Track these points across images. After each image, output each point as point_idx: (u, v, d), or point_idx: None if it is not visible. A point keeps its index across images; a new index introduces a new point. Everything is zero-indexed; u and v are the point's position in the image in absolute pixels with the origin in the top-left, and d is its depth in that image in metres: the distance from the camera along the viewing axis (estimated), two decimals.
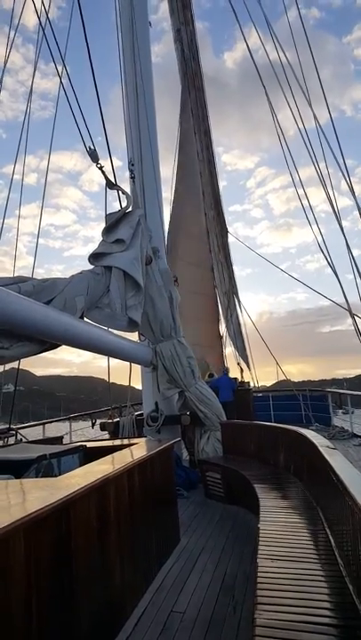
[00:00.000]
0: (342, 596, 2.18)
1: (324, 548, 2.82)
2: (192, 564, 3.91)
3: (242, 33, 9.60)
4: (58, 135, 9.80)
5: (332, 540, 2.89)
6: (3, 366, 5.32)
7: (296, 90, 8.62)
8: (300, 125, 8.56)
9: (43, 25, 6.42)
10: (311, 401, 13.23)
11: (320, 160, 8.29)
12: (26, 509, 1.96)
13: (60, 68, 6.39)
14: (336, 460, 3.17)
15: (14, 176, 9.32)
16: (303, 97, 8.53)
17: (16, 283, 4.52)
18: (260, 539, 2.99)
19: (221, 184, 16.26)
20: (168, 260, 8.94)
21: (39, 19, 6.41)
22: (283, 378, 14.35)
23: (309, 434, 4.68)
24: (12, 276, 4.88)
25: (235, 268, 16.03)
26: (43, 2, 6.54)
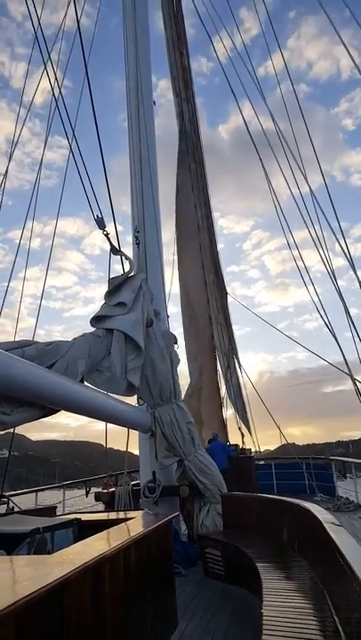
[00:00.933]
0: None
1: (332, 637, 2.61)
2: None
3: (237, 105, 10.31)
4: (62, 202, 10.20)
5: (340, 629, 2.68)
6: None
7: (289, 157, 9.09)
8: (295, 190, 8.95)
9: (54, 99, 6.89)
10: (315, 470, 12.85)
11: (314, 223, 8.59)
12: (18, 592, 1.81)
13: (70, 141, 6.76)
14: (342, 539, 3.01)
15: (17, 241, 9.65)
16: (296, 164, 8.98)
17: (20, 347, 4.53)
18: (265, 626, 2.77)
19: (219, 246, 16.74)
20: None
21: (54, 96, 6.86)
22: (286, 442, 14.02)
23: (313, 508, 4.49)
24: (13, 339, 4.90)
25: (234, 327, 16.11)
26: (54, 81, 7.02)
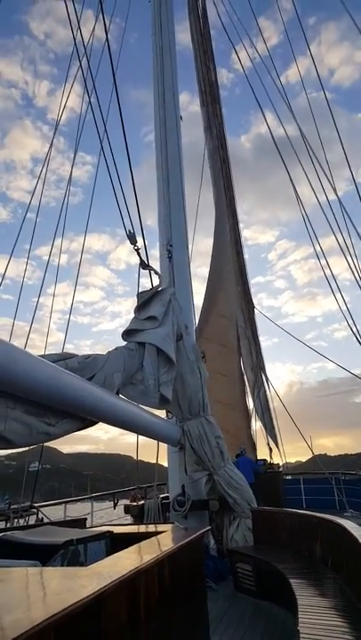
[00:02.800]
0: None
1: None
2: None
3: (262, 112, 10.40)
4: (85, 219, 10.44)
5: None
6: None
7: (315, 164, 9.09)
8: (322, 198, 8.93)
9: (89, 111, 7.06)
10: (345, 485, 12.57)
11: (342, 230, 8.53)
12: (57, 604, 1.85)
13: (99, 157, 6.94)
14: None
15: (44, 257, 9.94)
16: (322, 170, 8.98)
17: (63, 359, 4.64)
18: None
19: (244, 257, 16.73)
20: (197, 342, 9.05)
21: (91, 108, 7.03)
22: (317, 453, 13.78)
23: (348, 524, 4.41)
24: (45, 353, 5.02)
25: (261, 338, 16.02)
26: (91, 91, 7.22)
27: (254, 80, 11.03)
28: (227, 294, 14.58)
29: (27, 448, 7.40)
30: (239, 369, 15.19)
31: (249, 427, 14.89)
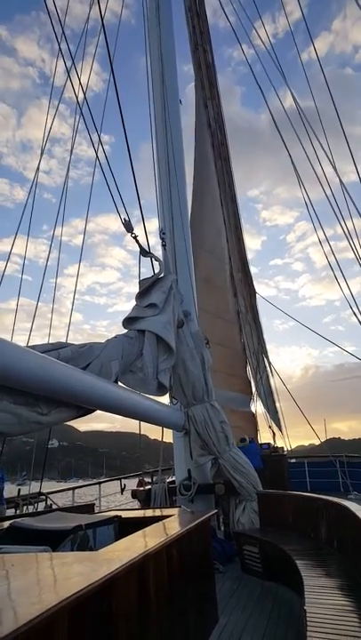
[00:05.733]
0: None
1: None
2: None
3: (288, 87, 10.29)
4: (103, 200, 10.45)
5: None
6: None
7: (338, 141, 9.02)
8: (344, 178, 8.85)
9: (81, 103, 7.02)
10: (349, 468, 12.67)
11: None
12: (70, 588, 1.89)
13: (96, 145, 6.87)
14: None
15: (61, 239, 10.04)
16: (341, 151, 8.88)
17: (56, 349, 4.64)
18: (309, 624, 2.78)
19: (261, 239, 16.69)
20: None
21: (86, 100, 6.98)
22: (331, 436, 13.89)
23: (353, 506, 4.46)
24: (66, 334, 5.07)
25: (277, 321, 15.98)
26: (79, 88, 7.14)
27: (281, 54, 10.88)
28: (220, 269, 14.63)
29: None
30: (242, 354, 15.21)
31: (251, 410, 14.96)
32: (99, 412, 5.10)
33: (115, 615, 2.22)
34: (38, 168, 10.17)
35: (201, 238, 13.51)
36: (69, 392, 4.41)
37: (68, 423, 5.12)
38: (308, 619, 2.85)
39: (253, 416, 14.83)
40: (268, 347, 16.14)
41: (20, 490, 8.50)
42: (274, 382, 15.26)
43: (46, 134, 10.21)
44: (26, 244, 9.96)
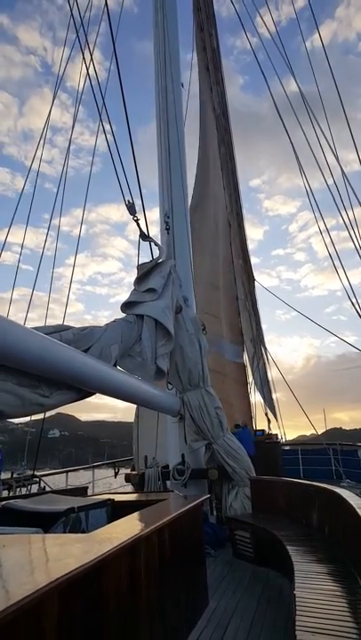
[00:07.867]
0: None
1: None
2: (223, 631, 3.69)
3: (295, 79, 10.18)
4: (103, 189, 10.39)
5: None
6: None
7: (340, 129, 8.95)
8: (347, 168, 8.79)
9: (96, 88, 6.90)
10: (342, 456, 12.78)
11: None
12: (61, 569, 1.89)
13: (101, 128, 6.79)
14: None
15: (62, 228, 9.93)
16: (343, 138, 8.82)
17: (58, 331, 4.62)
18: (298, 608, 2.81)
19: (263, 229, 16.62)
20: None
21: (93, 89, 6.86)
22: (332, 426, 14.00)
23: (345, 493, 4.49)
24: (55, 324, 5.03)
25: (279, 311, 15.94)
26: (82, 78, 7.02)
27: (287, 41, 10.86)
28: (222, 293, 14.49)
29: (46, 415, 7.48)
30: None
31: (248, 399, 15.00)
32: (100, 402, 5.14)
33: (105, 597, 2.23)
34: (37, 156, 10.08)
35: (202, 220, 13.40)
36: (71, 374, 4.40)
37: (69, 413, 5.16)
38: (297, 603, 2.87)
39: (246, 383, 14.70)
40: (270, 337, 16.28)
41: (12, 472, 8.54)
42: (270, 371, 15.32)
43: (49, 121, 10.07)
44: (24, 233, 9.92)
